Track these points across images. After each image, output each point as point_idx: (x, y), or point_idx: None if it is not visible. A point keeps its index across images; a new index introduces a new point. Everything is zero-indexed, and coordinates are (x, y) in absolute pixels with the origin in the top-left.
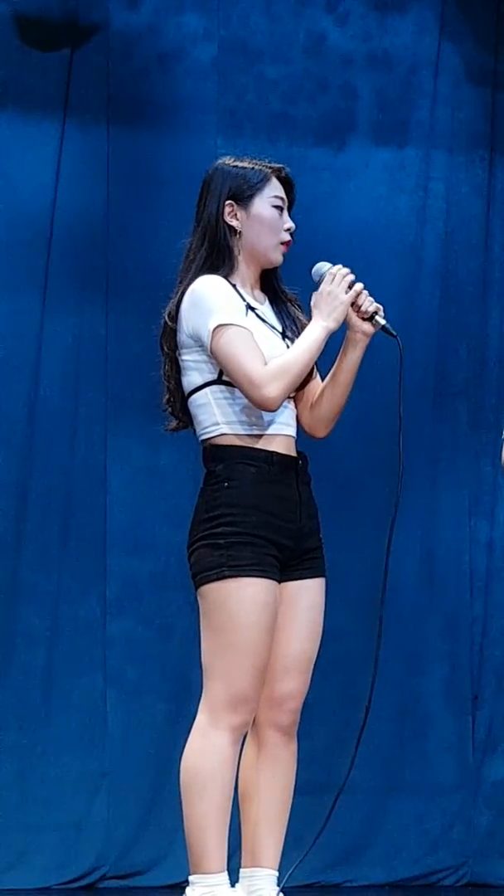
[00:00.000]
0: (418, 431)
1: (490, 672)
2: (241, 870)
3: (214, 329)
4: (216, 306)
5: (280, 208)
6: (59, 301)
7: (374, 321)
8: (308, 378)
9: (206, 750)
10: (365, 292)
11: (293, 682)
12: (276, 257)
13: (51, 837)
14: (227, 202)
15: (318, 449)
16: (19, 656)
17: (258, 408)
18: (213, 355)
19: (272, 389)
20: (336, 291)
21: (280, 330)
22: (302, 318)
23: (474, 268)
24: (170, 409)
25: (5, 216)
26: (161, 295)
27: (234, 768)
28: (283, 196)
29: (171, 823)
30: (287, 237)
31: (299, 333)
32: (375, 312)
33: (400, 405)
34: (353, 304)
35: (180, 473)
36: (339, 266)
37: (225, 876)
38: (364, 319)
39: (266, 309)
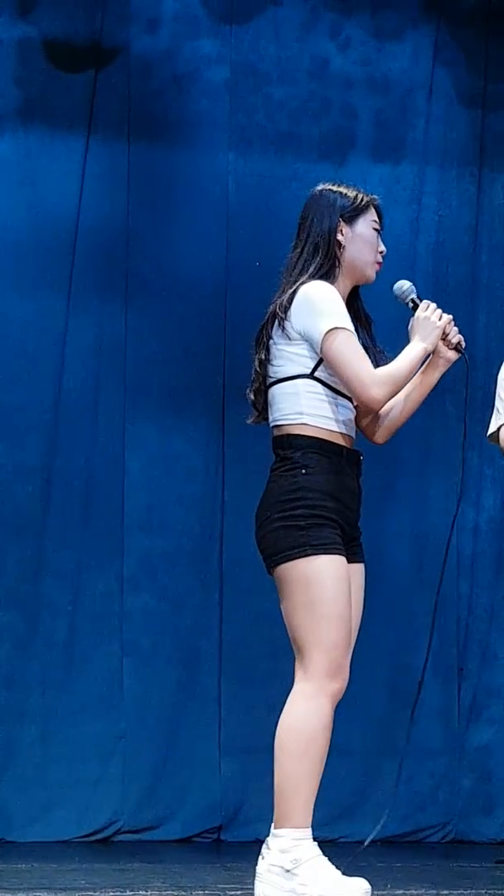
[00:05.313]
0: (410, 424)
1: (475, 646)
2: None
3: (330, 330)
4: (331, 309)
5: (378, 231)
6: (82, 302)
7: (458, 349)
8: None
9: (310, 714)
10: (452, 323)
11: (348, 656)
12: (371, 274)
13: (70, 795)
14: (339, 219)
15: None
16: (43, 627)
17: (363, 406)
18: (324, 353)
19: (380, 392)
20: (432, 318)
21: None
22: (375, 343)
23: (464, 274)
24: (253, 398)
25: (34, 224)
26: (175, 297)
27: (330, 733)
28: (379, 222)
29: (181, 782)
30: (380, 258)
31: (375, 355)
32: (460, 343)
33: (465, 414)
34: (442, 333)
35: (192, 460)
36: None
37: (309, 831)
38: (450, 348)
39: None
